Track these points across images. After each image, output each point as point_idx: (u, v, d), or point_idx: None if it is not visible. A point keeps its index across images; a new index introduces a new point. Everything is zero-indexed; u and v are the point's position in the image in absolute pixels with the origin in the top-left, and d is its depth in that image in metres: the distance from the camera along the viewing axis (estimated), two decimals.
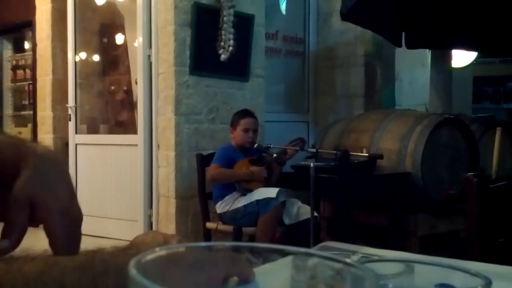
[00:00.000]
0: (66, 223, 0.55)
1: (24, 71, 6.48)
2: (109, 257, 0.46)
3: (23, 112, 6.49)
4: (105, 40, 5.41)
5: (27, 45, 6.42)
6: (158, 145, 4.28)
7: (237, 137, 3.62)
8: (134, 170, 4.46)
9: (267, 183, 3.54)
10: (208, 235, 3.62)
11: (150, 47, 4.28)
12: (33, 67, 5.75)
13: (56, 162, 0.58)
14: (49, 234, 0.54)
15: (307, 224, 3.21)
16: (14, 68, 6.68)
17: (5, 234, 0.52)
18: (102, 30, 5.39)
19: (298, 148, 3.61)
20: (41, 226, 0.55)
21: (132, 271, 0.23)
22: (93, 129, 5.16)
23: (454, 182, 3.78)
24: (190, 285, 0.36)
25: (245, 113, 3.70)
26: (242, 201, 3.41)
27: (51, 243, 0.54)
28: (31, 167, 0.54)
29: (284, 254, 0.32)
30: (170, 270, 0.31)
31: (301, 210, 3.41)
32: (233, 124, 3.67)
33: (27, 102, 6.37)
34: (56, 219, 0.54)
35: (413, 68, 5.82)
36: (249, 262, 0.35)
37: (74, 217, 0.56)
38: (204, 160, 3.69)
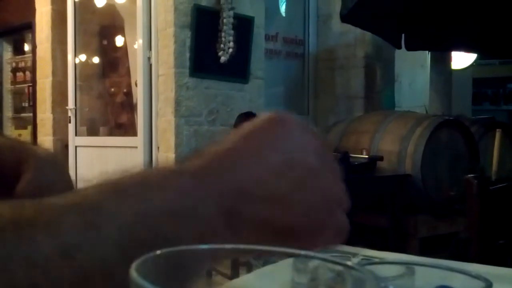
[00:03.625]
0: None
1: (24, 73, 6.48)
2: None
3: (23, 114, 6.49)
4: (105, 42, 5.42)
5: (27, 47, 6.42)
6: (158, 147, 4.28)
7: None
8: None
9: None
10: None
11: (150, 49, 4.29)
12: (33, 69, 5.76)
13: (57, 165, 0.58)
14: None
15: None
16: (14, 70, 6.68)
17: None
18: (102, 32, 5.39)
19: None
20: None
21: (133, 273, 0.23)
22: (93, 131, 5.16)
23: (454, 184, 3.77)
24: None
25: (249, 115, 3.70)
26: None
27: None
28: (32, 170, 0.54)
29: (284, 256, 0.32)
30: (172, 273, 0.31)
31: None
32: (237, 126, 3.67)
33: (27, 104, 6.37)
34: None
35: (412, 69, 5.82)
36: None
37: None
38: None
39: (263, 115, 0.42)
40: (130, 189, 0.35)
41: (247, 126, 0.42)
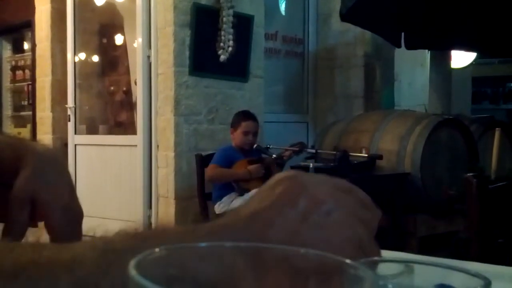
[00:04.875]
0: (67, 219, 0.55)
1: (24, 72, 6.48)
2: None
3: (22, 113, 6.49)
4: (105, 40, 5.41)
5: (26, 45, 6.41)
6: (158, 146, 4.28)
7: (236, 138, 3.62)
8: (133, 170, 4.46)
9: None
10: None
11: (150, 47, 4.28)
12: (33, 68, 5.75)
13: (55, 160, 0.58)
14: (50, 231, 0.54)
15: None
16: (13, 69, 6.68)
17: (7, 233, 0.52)
18: (102, 30, 5.39)
19: (297, 149, 3.61)
20: (41, 224, 0.55)
21: (132, 271, 0.23)
22: (92, 130, 5.16)
23: (453, 183, 3.78)
24: None
25: (246, 115, 3.70)
26: (239, 202, 3.40)
27: (52, 240, 0.54)
28: (31, 165, 0.54)
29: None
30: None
31: None
32: (234, 125, 3.67)
33: (26, 103, 6.36)
34: (56, 216, 0.54)
35: (412, 68, 5.82)
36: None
37: (74, 213, 0.57)
38: (203, 161, 3.68)
39: (275, 177, 0.44)
40: (150, 239, 0.37)
41: (262, 190, 0.44)
